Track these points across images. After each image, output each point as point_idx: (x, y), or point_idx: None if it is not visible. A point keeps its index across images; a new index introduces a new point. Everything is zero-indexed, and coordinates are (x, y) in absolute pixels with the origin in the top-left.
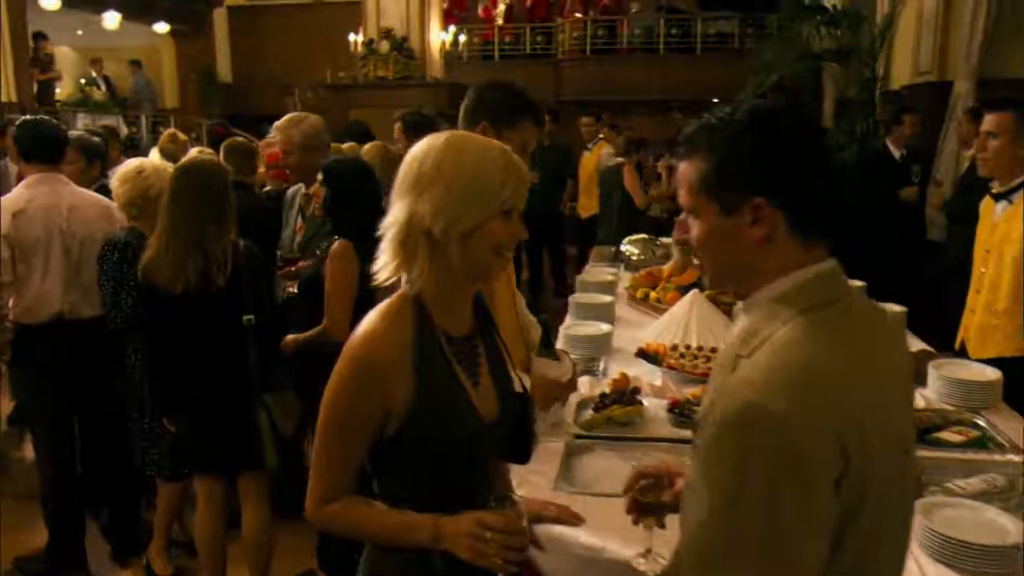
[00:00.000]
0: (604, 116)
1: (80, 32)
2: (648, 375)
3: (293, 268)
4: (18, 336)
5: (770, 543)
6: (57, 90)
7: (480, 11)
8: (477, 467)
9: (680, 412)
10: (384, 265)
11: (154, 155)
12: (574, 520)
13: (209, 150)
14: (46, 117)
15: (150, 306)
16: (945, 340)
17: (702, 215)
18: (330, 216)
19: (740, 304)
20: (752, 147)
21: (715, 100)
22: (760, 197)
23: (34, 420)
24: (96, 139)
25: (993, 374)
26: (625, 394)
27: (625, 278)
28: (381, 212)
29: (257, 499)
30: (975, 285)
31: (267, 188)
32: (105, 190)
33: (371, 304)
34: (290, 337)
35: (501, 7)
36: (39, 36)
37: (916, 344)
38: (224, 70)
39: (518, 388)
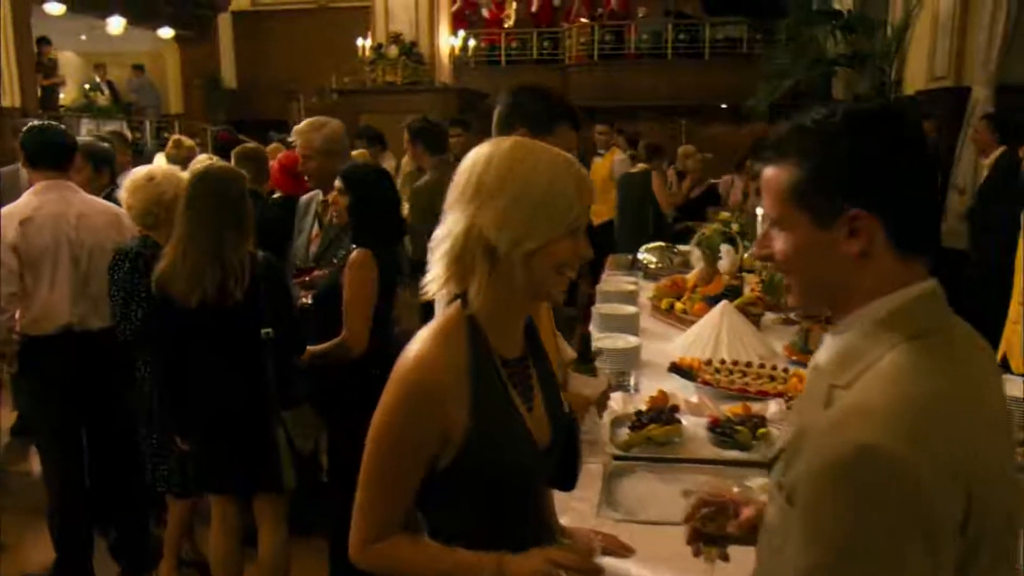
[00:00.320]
0: (616, 123)
1: (84, 37)
2: (681, 390)
3: (307, 278)
4: (25, 348)
5: None
6: (61, 95)
7: (486, 15)
8: (531, 497)
9: (722, 431)
10: (434, 279)
11: (159, 161)
12: (623, 551)
13: (217, 158)
14: (54, 123)
15: (163, 318)
16: None
17: (791, 227)
18: (354, 223)
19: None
20: (852, 152)
21: (723, 106)
22: (859, 207)
23: (41, 434)
24: (104, 145)
25: None
26: (664, 412)
27: (646, 287)
28: (400, 220)
29: (274, 519)
30: (1018, 296)
31: (275, 195)
32: (113, 198)
33: (388, 315)
34: (308, 349)
35: (510, 11)
36: (43, 41)
37: None
38: (228, 75)
39: (567, 410)
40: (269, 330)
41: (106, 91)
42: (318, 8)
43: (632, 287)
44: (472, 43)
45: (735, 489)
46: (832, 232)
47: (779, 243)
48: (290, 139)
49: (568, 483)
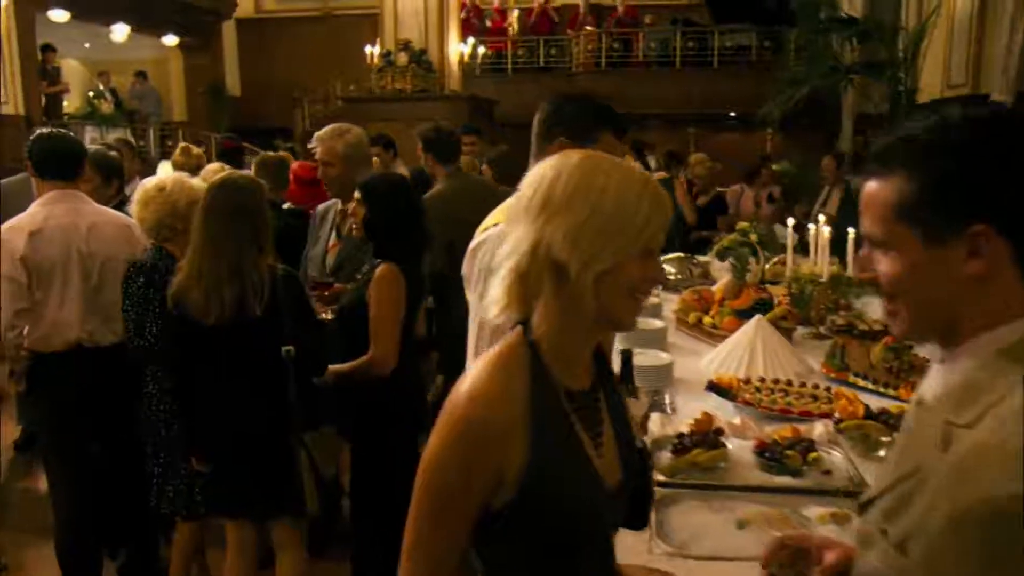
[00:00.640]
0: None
1: (88, 45)
2: (717, 409)
3: (327, 292)
4: (33, 364)
5: None
6: (65, 103)
7: (489, 24)
8: (597, 543)
9: (770, 456)
10: (495, 302)
11: (165, 169)
12: None
13: (228, 166)
14: (62, 131)
15: (179, 336)
16: None
17: (899, 246)
18: (370, 236)
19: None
20: (977, 163)
21: (732, 114)
22: (983, 223)
23: (49, 452)
24: (114, 154)
25: None
26: (709, 436)
27: (668, 300)
28: (424, 233)
29: (293, 546)
30: None
31: (287, 205)
32: (123, 210)
33: (411, 331)
34: (331, 368)
35: (512, 20)
36: (47, 48)
37: None
38: (232, 83)
39: (640, 446)
40: (290, 348)
41: (110, 98)
42: (322, 16)
43: (656, 299)
44: (481, 50)
45: (790, 517)
46: (948, 251)
47: (884, 265)
48: (310, 146)
49: (639, 522)
